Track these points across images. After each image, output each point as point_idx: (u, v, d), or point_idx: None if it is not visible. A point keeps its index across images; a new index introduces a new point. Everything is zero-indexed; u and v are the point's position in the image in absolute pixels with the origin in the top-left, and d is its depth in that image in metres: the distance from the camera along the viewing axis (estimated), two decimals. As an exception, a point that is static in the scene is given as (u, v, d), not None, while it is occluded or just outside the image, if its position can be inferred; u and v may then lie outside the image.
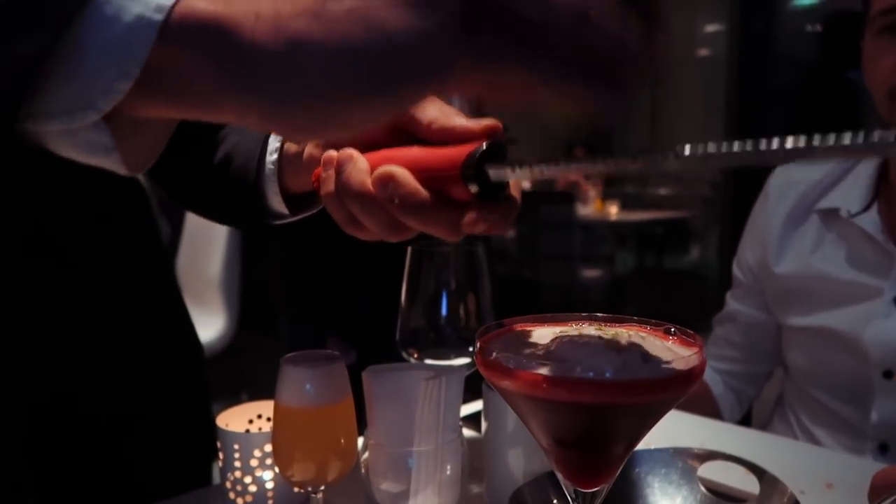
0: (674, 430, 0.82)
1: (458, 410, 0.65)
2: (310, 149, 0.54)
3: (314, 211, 0.64)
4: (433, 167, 0.40)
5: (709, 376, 1.10)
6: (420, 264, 0.77)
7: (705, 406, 1.05)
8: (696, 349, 0.38)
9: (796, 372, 1.01)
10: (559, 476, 0.39)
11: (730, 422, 1.04)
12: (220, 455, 0.69)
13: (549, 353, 0.36)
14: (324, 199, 0.44)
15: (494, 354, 0.38)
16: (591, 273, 4.00)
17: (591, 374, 0.34)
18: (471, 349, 0.75)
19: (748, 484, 0.65)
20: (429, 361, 0.75)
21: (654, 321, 0.42)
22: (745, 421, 1.15)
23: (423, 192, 0.39)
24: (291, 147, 0.60)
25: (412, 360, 0.76)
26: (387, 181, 0.39)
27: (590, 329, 0.41)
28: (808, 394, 0.98)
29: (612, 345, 0.36)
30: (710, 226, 4.24)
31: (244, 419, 0.75)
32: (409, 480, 0.62)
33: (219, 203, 0.71)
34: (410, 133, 0.44)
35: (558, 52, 0.31)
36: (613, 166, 0.34)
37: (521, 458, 0.67)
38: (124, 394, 0.74)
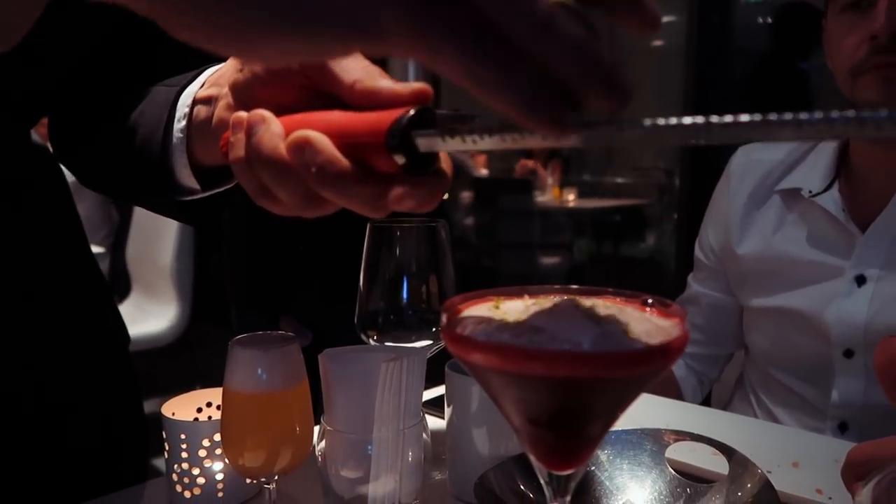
0: (638, 411, 0.80)
1: (419, 394, 0.62)
2: (220, 112, 0.49)
3: (229, 186, 0.59)
4: (355, 133, 0.36)
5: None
6: (380, 242, 0.73)
7: (667, 389, 1.05)
8: (676, 320, 0.35)
9: (757, 353, 1.01)
10: (532, 459, 0.36)
11: (689, 402, 1.04)
12: (166, 446, 0.65)
13: (523, 325, 0.33)
14: (233, 165, 0.39)
15: (462, 326, 0.34)
16: (549, 260, 4.01)
17: (568, 346, 0.31)
18: (434, 329, 0.72)
19: (716, 464, 0.63)
20: (389, 344, 0.72)
21: (629, 292, 0.39)
22: (706, 402, 1.15)
23: (343, 161, 0.35)
24: (201, 112, 0.54)
25: (371, 343, 0.72)
26: (302, 147, 0.35)
27: (563, 300, 0.38)
28: (769, 374, 0.98)
29: (591, 315, 0.34)
30: (665, 213, 4.28)
31: (192, 408, 0.70)
32: (369, 467, 0.59)
33: (126, 180, 0.64)
34: (331, 95, 0.40)
35: (507, 60, 0.27)
36: (546, 138, 0.30)
37: (486, 444, 0.65)
38: (48, 385, 0.68)
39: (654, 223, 4.44)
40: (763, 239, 0.96)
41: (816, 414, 0.92)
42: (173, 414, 0.67)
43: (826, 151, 0.95)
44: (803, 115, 0.26)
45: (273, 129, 0.37)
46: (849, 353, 0.87)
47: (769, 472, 0.65)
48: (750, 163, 1.02)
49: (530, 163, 4.28)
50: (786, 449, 0.73)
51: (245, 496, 0.66)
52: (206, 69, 0.56)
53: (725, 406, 1.10)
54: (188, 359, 2.81)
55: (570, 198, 4.22)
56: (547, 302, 0.38)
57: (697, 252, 1.09)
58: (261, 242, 1.34)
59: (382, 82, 0.38)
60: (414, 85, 0.37)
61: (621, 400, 0.34)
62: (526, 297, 0.40)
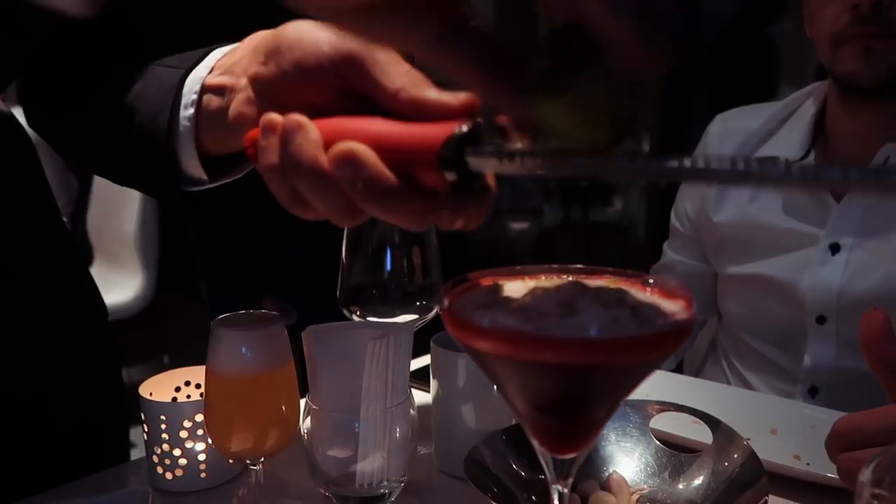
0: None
1: (406, 371, 0.61)
2: (239, 107, 0.45)
3: (238, 176, 0.57)
4: (403, 147, 0.33)
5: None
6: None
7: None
8: (682, 301, 0.35)
9: (731, 319, 1.02)
10: (535, 443, 0.36)
11: (664, 370, 1.05)
12: (145, 427, 0.63)
13: (529, 309, 0.32)
14: (263, 171, 0.37)
15: (464, 311, 0.33)
16: (519, 226, 4.02)
17: (578, 332, 0.30)
18: (418, 304, 0.71)
19: (698, 434, 0.64)
20: (372, 319, 0.71)
21: (630, 272, 0.38)
22: (677, 368, 1.17)
23: (391, 177, 0.33)
24: (213, 101, 0.51)
25: (355, 319, 0.71)
26: (348, 161, 0.33)
27: (566, 281, 0.37)
28: (743, 340, 0.99)
29: (599, 299, 0.33)
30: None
31: (170, 387, 0.68)
32: (356, 446, 0.58)
33: (123, 165, 0.61)
34: (368, 99, 0.37)
35: None
36: (622, 170, 0.29)
37: (473, 418, 0.64)
38: (25, 362, 0.66)
39: (622, 188, 4.47)
40: (739, 207, 0.97)
41: (788, 379, 0.94)
42: (151, 394, 0.65)
43: (803, 120, 0.96)
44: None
45: (312, 138, 0.34)
46: (821, 320, 0.89)
47: (748, 438, 0.66)
48: (727, 131, 1.02)
49: (572, 174, 4.24)
50: (763, 416, 0.74)
51: (229, 475, 0.65)
52: (211, 51, 0.52)
53: (698, 371, 1.12)
54: (156, 329, 2.76)
55: (539, 163, 4.21)
56: (548, 283, 0.37)
57: (673, 220, 1.10)
58: (229, 215, 1.30)
59: (430, 92, 0.35)
60: (462, 96, 0.34)
61: (629, 383, 0.33)
62: (525, 277, 0.39)
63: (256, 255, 1.31)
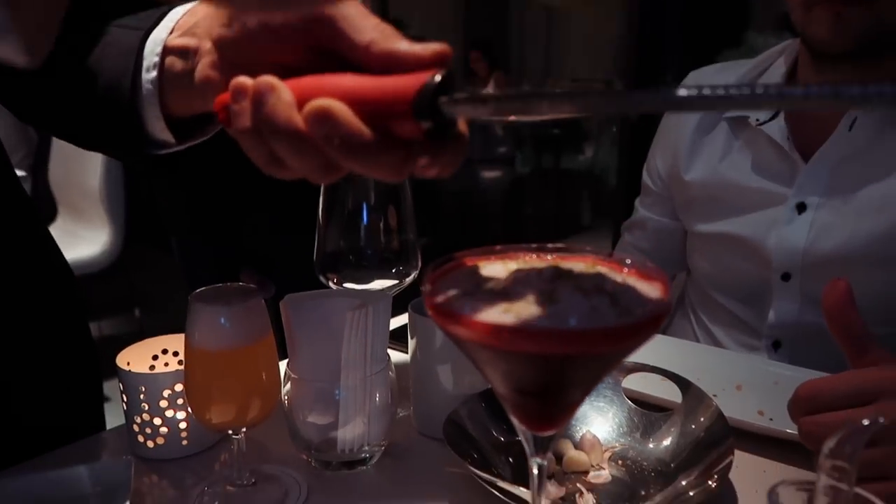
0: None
1: (385, 339, 0.62)
2: (205, 70, 0.44)
3: (206, 138, 0.56)
4: (377, 100, 0.33)
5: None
6: (335, 185, 0.71)
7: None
8: (657, 283, 0.35)
9: (699, 275, 1.04)
10: (514, 421, 0.37)
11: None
12: (124, 397, 0.63)
13: (510, 298, 0.33)
14: (237, 135, 0.36)
15: (446, 298, 0.34)
16: (491, 174, 4.02)
17: (558, 323, 0.31)
18: (394, 270, 0.72)
19: (669, 392, 0.67)
20: (349, 286, 0.71)
21: (608, 253, 0.39)
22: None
23: (367, 131, 0.33)
24: (176, 64, 0.49)
25: (332, 286, 0.71)
26: (324, 118, 0.33)
27: (546, 265, 0.37)
28: (710, 296, 1.02)
29: (578, 287, 0.33)
30: (605, 126, 4.32)
31: (147, 356, 0.68)
32: (337, 413, 0.59)
33: (88, 131, 0.59)
34: (339, 56, 0.37)
35: None
36: (595, 104, 0.29)
37: (451, 382, 0.66)
38: None
39: (593, 136, 4.47)
40: (710, 166, 0.98)
41: (752, 333, 0.97)
42: (128, 364, 0.65)
43: (773, 79, 0.96)
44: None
45: (285, 98, 0.34)
46: (786, 277, 0.91)
47: (715, 395, 0.69)
48: (700, 89, 1.02)
49: (544, 114, 4.18)
50: (730, 373, 0.77)
51: (211, 442, 0.66)
52: (170, 10, 0.50)
53: (666, 325, 1.15)
54: (126, 283, 2.73)
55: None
56: (528, 267, 0.38)
57: (645, 177, 1.10)
58: (200, 173, 1.28)
59: (400, 44, 0.35)
60: (434, 46, 0.34)
61: (608, 367, 0.34)
62: (505, 259, 0.39)
63: (228, 210, 1.29)
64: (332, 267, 0.72)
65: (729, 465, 0.54)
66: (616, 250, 1.17)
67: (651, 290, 0.35)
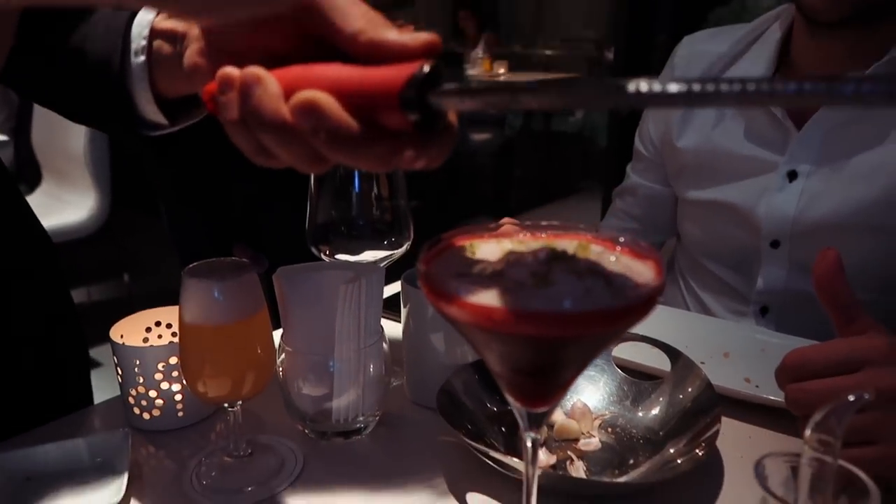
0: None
1: (379, 311, 0.62)
2: (193, 57, 0.43)
3: (199, 119, 0.55)
4: (364, 92, 0.33)
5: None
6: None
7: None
8: (651, 262, 0.36)
9: (689, 242, 1.05)
10: (509, 398, 0.37)
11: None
12: (118, 370, 0.63)
13: (506, 279, 0.33)
14: (226, 125, 0.36)
15: (442, 279, 0.34)
16: (480, 136, 3.99)
17: (553, 306, 0.31)
18: (386, 241, 0.72)
19: (658, 361, 0.68)
20: (342, 257, 0.71)
21: (600, 230, 0.39)
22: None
23: (354, 124, 0.32)
24: (164, 47, 0.48)
25: (324, 258, 0.71)
26: (310, 110, 0.32)
27: (540, 246, 0.38)
28: (699, 262, 1.03)
29: (573, 269, 0.34)
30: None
31: (140, 328, 0.69)
32: (332, 384, 0.60)
33: (83, 110, 0.59)
34: (326, 44, 0.36)
35: None
36: (586, 97, 0.29)
37: (443, 352, 0.66)
38: None
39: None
40: (702, 133, 0.98)
41: (741, 299, 0.99)
42: (122, 337, 0.65)
43: (768, 44, 0.95)
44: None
45: (272, 90, 0.33)
46: (775, 244, 0.92)
47: (703, 363, 0.70)
48: (694, 54, 1.01)
49: (532, 105, 4.12)
50: (718, 340, 0.78)
51: (206, 413, 0.66)
52: None
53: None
54: (113, 248, 2.72)
55: (501, 71, 4.14)
56: (522, 247, 0.38)
57: (637, 143, 1.10)
58: (186, 143, 1.26)
59: (389, 33, 0.34)
60: (423, 36, 0.34)
61: (601, 346, 0.35)
62: (499, 238, 0.39)
63: (218, 181, 1.28)
64: (323, 238, 0.72)
65: (716, 434, 0.55)
66: (607, 216, 1.17)
67: (644, 269, 0.36)
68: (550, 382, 0.36)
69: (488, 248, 0.38)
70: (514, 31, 4.96)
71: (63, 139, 2.46)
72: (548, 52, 4.75)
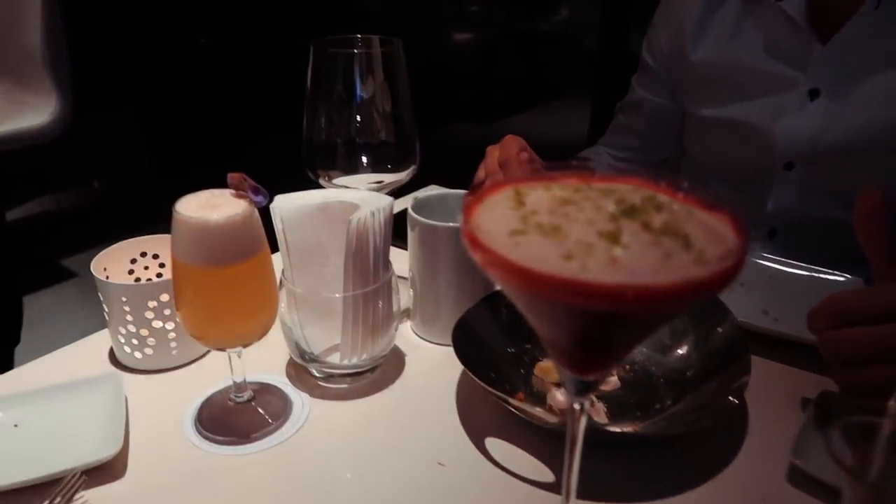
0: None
1: (388, 246, 0.57)
2: None
3: None
4: None
5: (608, 165, 1.08)
6: (325, 67, 0.64)
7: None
8: (725, 218, 0.31)
9: (696, 160, 1.01)
10: (557, 365, 0.34)
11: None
12: (105, 308, 0.59)
13: (569, 240, 0.29)
14: None
15: (488, 234, 0.29)
16: (462, 36, 3.81)
17: (631, 276, 0.27)
18: (389, 165, 0.66)
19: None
20: (341, 180, 0.66)
21: (662, 174, 0.35)
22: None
23: None
24: None
25: (323, 184, 0.65)
26: None
27: (599, 193, 0.33)
28: (705, 182, 0.99)
29: (644, 225, 0.29)
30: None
31: (124, 261, 0.63)
32: (339, 325, 0.56)
33: None
34: None
35: None
36: None
37: (455, 288, 0.62)
38: None
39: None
40: (718, 45, 0.91)
41: (749, 222, 0.96)
42: (105, 271, 0.60)
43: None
44: None
45: None
46: (789, 166, 0.88)
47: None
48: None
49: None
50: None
51: (203, 350, 0.62)
52: None
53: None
54: (77, 151, 2.58)
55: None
56: (577, 195, 0.33)
57: (645, 55, 1.03)
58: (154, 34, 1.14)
59: None
60: None
61: (669, 319, 0.31)
62: (545, 180, 0.35)
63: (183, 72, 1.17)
64: (322, 161, 0.66)
65: (745, 384, 0.52)
66: (609, 131, 1.11)
67: (720, 226, 0.31)
68: (611, 354, 0.32)
69: (538, 197, 0.33)
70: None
71: (17, 37, 2.28)
72: None
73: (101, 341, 0.64)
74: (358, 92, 0.64)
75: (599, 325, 0.30)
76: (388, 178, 0.66)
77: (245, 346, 0.52)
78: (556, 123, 3.50)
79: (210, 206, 0.48)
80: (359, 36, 0.64)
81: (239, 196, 0.49)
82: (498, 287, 0.64)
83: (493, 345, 0.59)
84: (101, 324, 0.61)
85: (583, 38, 3.97)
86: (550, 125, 3.57)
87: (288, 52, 1.13)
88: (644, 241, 0.28)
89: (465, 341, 0.57)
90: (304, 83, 0.64)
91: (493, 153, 0.81)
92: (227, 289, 0.48)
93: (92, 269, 0.58)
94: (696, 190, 0.33)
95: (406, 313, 0.67)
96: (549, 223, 0.31)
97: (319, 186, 0.65)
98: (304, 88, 0.64)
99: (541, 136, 0.95)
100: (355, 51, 0.63)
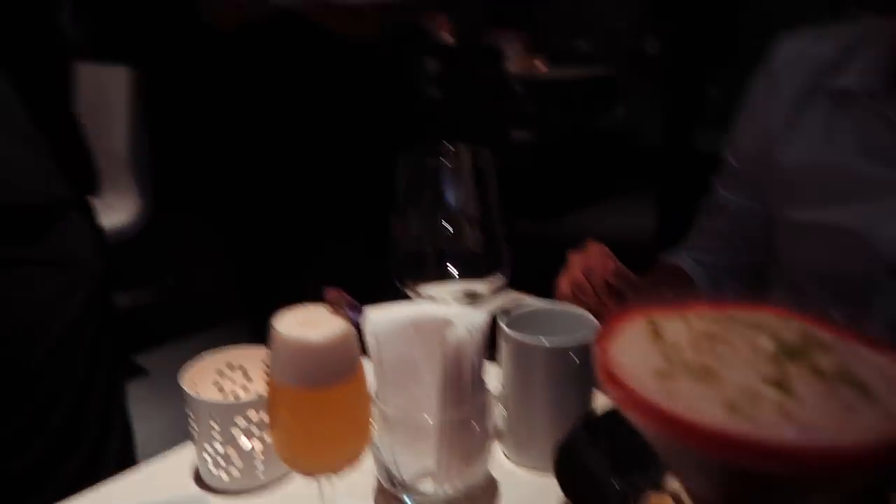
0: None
1: (482, 364, 0.55)
2: None
3: None
4: None
5: (692, 269, 1.04)
6: (414, 179, 0.64)
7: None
8: (889, 351, 0.28)
9: (789, 266, 0.96)
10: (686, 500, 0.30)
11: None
12: (194, 426, 0.57)
13: (726, 387, 0.26)
14: None
15: (638, 380, 0.27)
16: (520, 135, 3.89)
17: (809, 435, 0.24)
18: (479, 272, 0.64)
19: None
20: (431, 291, 0.64)
21: (813, 309, 0.32)
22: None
23: None
24: None
25: (411, 294, 0.64)
26: None
27: (749, 329, 0.30)
28: (799, 288, 0.94)
29: (812, 370, 0.26)
30: (636, 80, 4.14)
31: (211, 371, 0.62)
32: (433, 449, 0.53)
33: None
34: None
35: None
36: None
37: (553, 410, 0.59)
38: None
39: (627, 90, 4.31)
40: (809, 148, 0.88)
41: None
42: (196, 386, 0.59)
43: (881, 47, 0.86)
44: None
45: None
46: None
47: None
48: (798, 58, 0.91)
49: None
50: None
51: (286, 469, 0.60)
52: None
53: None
54: (154, 250, 2.69)
55: (538, 64, 4.04)
56: (721, 329, 0.30)
57: (730, 157, 1.01)
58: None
59: None
60: None
61: (844, 490, 0.27)
62: (691, 310, 0.32)
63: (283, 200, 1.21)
64: (410, 270, 0.65)
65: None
66: (692, 234, 1.08)
67: (890, 364, 0.28)
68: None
69: (677, 329, 0.31)
70: (550, 26, 4.83)
71: (103, 140, 2.43)
72: (587, 48, 4.61)
73: (184, 457, 0.62)
74: (448, 201, 0.64)
75: (762, 487, 0.26)
76: (480, 287, 0.64)
77: (338, 471, 0.49)
78: (623, 222, 3.47)
79: (308, 324, 0.46)
80: (449, 145, 0.64)
81: (335, 312, 0.48)
82: (594, 404, 0.60)
83: (601, 476, 0.55)
84: (175, 426, 0.60)
85: (641, 134, 4.00)
86: (616, 224, 3.55)
87: (362, 160, 1.15)
88: (818, 390, 0.25)
89: (570, 473, 0.52)
90: (381, 192, 0.64)
91: (577, 262, 0.79)
92: (324, 412, 0.46)
93: (182, 384, 0.58)
94: (848, 324, 0.30)
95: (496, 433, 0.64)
96: (698, 363, 0.28)
97: (401, 298, 0.63)
98: (382, 198, 0.65)
99: (598, 234, 0.93)
100: (439, 167, 0.63)
